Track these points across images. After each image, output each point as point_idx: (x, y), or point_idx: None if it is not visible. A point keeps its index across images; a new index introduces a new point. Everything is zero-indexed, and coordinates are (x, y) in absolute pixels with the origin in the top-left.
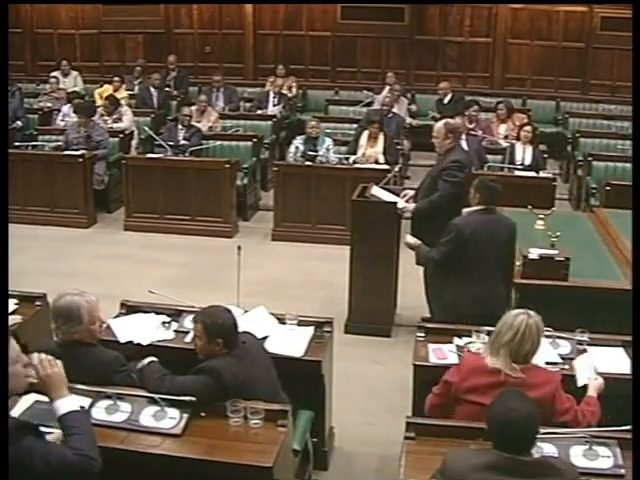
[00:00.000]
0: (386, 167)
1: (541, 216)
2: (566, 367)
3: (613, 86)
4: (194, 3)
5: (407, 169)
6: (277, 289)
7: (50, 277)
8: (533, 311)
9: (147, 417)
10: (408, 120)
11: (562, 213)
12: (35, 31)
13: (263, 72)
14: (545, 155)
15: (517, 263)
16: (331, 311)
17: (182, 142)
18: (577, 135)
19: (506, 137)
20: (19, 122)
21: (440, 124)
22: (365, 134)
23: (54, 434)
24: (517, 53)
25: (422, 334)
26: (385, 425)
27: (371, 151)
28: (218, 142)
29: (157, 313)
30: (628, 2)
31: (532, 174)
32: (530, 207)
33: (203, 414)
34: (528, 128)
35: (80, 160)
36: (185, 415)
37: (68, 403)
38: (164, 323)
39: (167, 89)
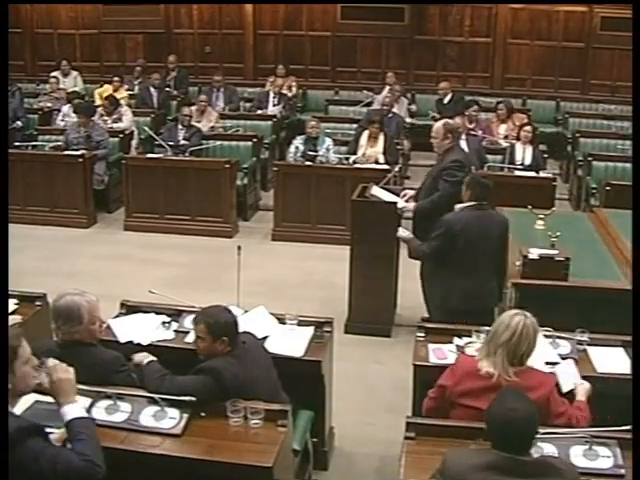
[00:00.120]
0: (386, 167)
1: (541, 216)
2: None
3: (613, 86)
4: (194, 3)
5: (407, 169)
6: (277, 289)
7: (50, 277)
8: (528, 312)
9: (147, 417)
10: (408, 119)
11: (562, 213)
12: (35, 31)
13: (263, 72)
14: (545, 155)
15: (517, 263)
16: (331, 311)
17: (182, 142)
18: (577, 135)
19: (506, 137)
20: (19, 122)
21: (439, 124)
22: (365, 134)
23: (55, 434)
24: (517, 53)
25: (422, 334)
26: (385, 425)
27: (371, 151)
28: (218, 142)
29: (157, 313)
30: (628, 2)
31: (532, 174)
32: (530, 207)
33: (203, 414)
34: (528, 128)
35: (80, 160)
36: (185, 415)
37: (76, 409)
38: (164, 323)
39: (167, 89)
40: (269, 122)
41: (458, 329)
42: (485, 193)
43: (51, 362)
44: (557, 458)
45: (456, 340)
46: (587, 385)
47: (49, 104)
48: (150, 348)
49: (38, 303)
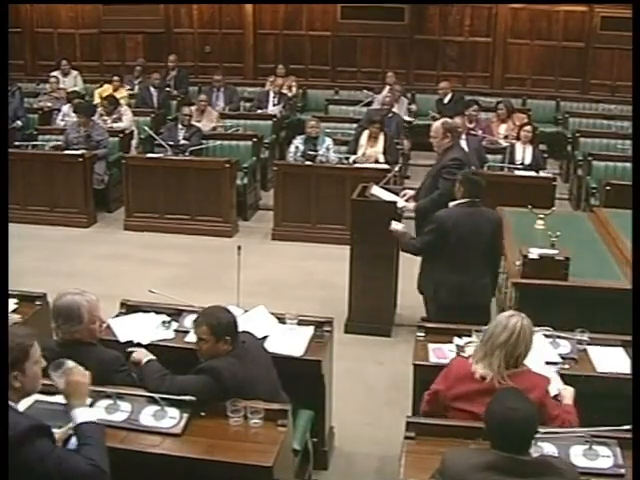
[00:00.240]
0: (386, 167)
1: (541, 216)
2: (566, 367)
3: (613, 86)
4: (194, 3)
5: (407, 169)
6: (277, 289)
7: (50, 277)
8: (527, 312)
9: (147, 417)
10: (408, 118)
11: (562, 213)
12: (35, 31)
13: (263, 72)
14: (545, 155)
15: (517, 263)
16: (331, 311)
17: (182, 142)
18: (577, 135)
19: (506, 137)
20: (19, 122)
21: (438, 124)
22: (365, 134)
23: (55, 434)
24: (517, 53)
25: (422, 334)
26: (385, 425)
27: (371, 151)
28: (218, 142)
29: (157, 313)
30: (628, 2)
31: (532, 174)
32: (530, 207)
33: (203, 414)
34: (528, 128)
35: (80, 160)
36: (185, 415)
37: (87, 413)
38: (164, 323)
39: (167, 89)
40: (269, 122)
41: (458, 329)
42: (478, 190)
43: (70, 364)
44: (557, 458)
45: (456, 340)
46: (571, 389)
47: (49, 104)
48: (150, 348)
49: (38, 303)
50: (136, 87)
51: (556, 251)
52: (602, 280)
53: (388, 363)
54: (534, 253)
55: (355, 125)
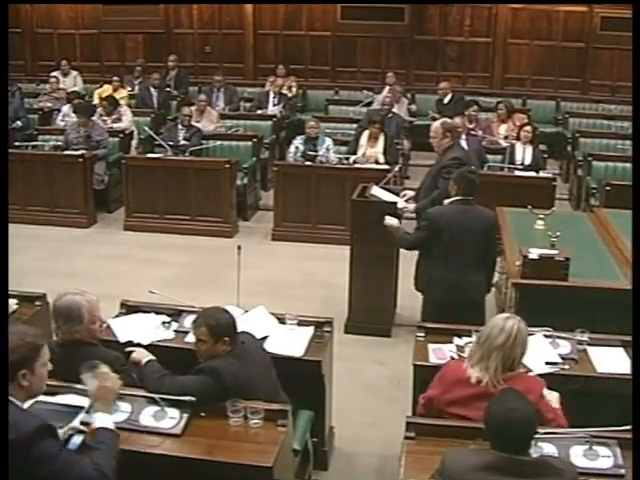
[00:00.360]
0: (386, 167)
1: (541, 216)
2: (566, 367)
3: (613, 86)
4: (194, 3)
5: (407, 169)
6: (277, 289)
7: (50, 277)
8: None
9: (147, 417)
10: (410, 118)
11: (562, 213)
12: (35, 31)
13: (263, 72)
14: (545, 155)
15: (517, 263)
16: (331, 311)
17: (182, 142)
18: (577, 135)
19: (506, 137)
20: (19, 122)
21: (437, 123)
22: (365, 134)
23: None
24: (517, 53)
25: (422, 334)
26: (385, 425)
27: (371, 151)
28: (218, 142)
29: (157, 313)
30: (628, 2)
31: (532, 174)
32: (530, 207)
33: (203, 414)
34: (528, 128)
35: (80, 160)
36: (185, 415)
37: (106, 419)
38: (164, 323)
39: (167, 89)
40: (269, 122)
41: (458, 329)
42: (471, 188)
43: (104, 368)
44: (556, 458)
45: (456, 340)
46: (556, 394)
47: (49, 104)
48: (150, 348)
49: (38, 303)
50: (136, 87)
51: (556, 251)
52: (602, 280)
53: (388, 363)
54: (534, 253)
55: (355, 125)
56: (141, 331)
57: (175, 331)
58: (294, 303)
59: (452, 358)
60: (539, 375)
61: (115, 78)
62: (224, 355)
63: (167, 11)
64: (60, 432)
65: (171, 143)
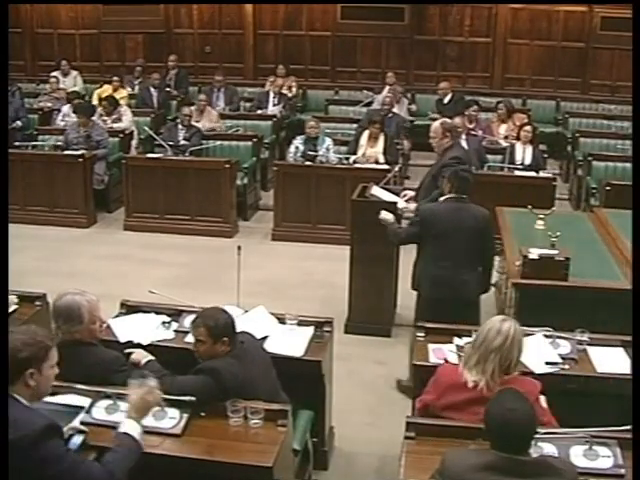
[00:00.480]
0: (386, 167)
1: (541, 216)
2: (566, 367)
3: (613, 86)
4: (194, 3)
5: (407, 169)
6: (277, 289)
7: (50, 277)
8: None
9: (147, 417)
10: (410, 118)
11: (562, 213)
12: (35, 31)
13: (263, 72)
14: (545, 155)
15: (517, 263)
16: (331, 311)
17: (182, 142)
18: (577, 135)
19: (506, 137)
20: (19, 122)
21: (437, 124)
22: (365, 134)
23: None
24: (517, 53)
25: (422, 334)
26: (385, 425)
27: (371, 151)
28: (218, 142)
29: (157, 313)
30: (628, 2)
31: (532, 174)
32: (530, 207)
33: (203, 414)
34: (528, 128)
35: (80, 160)
36: (185, 415)
37: (134, 428)
38: (164, 323)
39: (167, 89)
40: (269, 122)
41: (458, 329)
42: (465, 186)
43: (153, 383)
44: (556, 458)
45: (456, 340)
46: (542, 396)
47: (49, 104)
48: (150, 348)
49: (38, 303)
50: (136, 87)
51: (556, 251)
52: (602, 280)
53: (388, 363)
54: (534, 253)
55: (355, 125)
56: (141, 331)
57: (175, 331)
58: (294, 303)
59: (446, 361)
60: (539, 375)
61: (115, 78)
62: (223, 355)
63: (167, 11)
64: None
65: (171, 143)
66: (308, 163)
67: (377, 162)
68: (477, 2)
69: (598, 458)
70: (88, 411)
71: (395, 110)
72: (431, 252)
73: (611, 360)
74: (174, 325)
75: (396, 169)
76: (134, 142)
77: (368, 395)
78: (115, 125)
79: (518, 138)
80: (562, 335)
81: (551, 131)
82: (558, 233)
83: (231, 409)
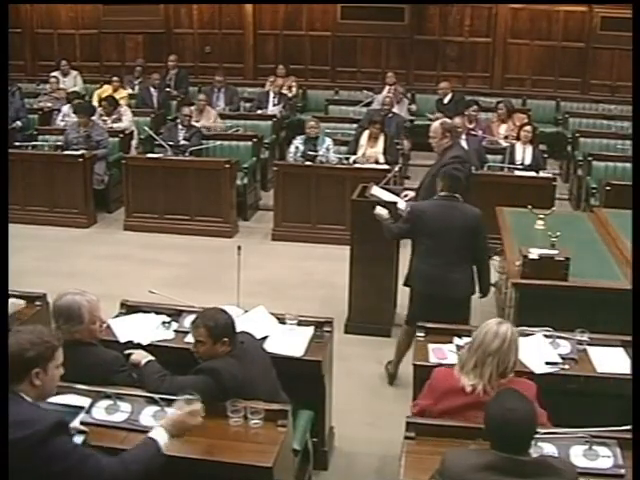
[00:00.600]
0: (386, 167)
1: (541, 216)
2: (566, 367)
3: (613, 86)
4: (194, 3)
5: (407, 169)
6: (277, 289)
7: (50, 277)
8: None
9: (147, 417)
10: (409, 118)
11: (562, 213)
12: (35, 31)
13: (263, 72)
14: (545, 155)
15: (517, 263)
16: (331, 311)
17: (182, 142)
18: (577, 135)
19: (506, 137)
20: (19, 122)
21: (437, 124)
22: (365, 134)
23: None
24: (517, 53)
25: (422, 334)
26: (385, 425)
27: (371, 151)
28: (218, 142)
29: (157, 313)
30: (628, 2)
31: (532, 174)
32: (530, 207)
33: (203, 414)
34: (528, 128)
35: (80, 160)
36: None
37: (161, 436)
38: (164, 323)
39: (167, 89)
40: (269, 122)
41: (458, 329)
42: (456, 185)
43: (198, 406)
44: (556, 458)
45: (456, 340)
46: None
47: (49, 104)
48: (150, 348)
49: (38, 303)
50: (136, 87)
51: (556, 251)
52: (602, 280)
53: None
54: (534, 253)
55: (355, 125)
56: (141, 331)
57: (175, 331)
58: (294, 303)
59: (440, 365)
60: (539, 375)
61: (115, 78)
62: (223, 356)
63: (167, 11)
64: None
65: (171, 143)
66: (308, 163)
67: (377, 162)
68: (477, 2)
69: (598, 458)
70: (88, 411)
71: (395, 110)
72: (422, 250)
73: (611, 360)
74: (174, 325)
75: (396, 169)
76: (134, 142)
77: (368, 395)
78: (115, 125)
79: (518, 138)
80: (562, 335)
81: (551, 131)
82: (558, 233)
83: (231, 409)
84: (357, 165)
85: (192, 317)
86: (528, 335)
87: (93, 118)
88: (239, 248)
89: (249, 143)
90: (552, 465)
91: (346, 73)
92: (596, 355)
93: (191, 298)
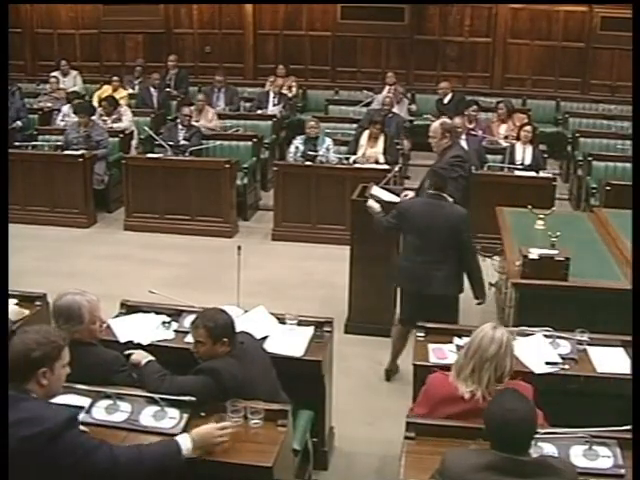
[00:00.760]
0: (386, 167)
1: (541, 216)
2: (566, 367)
3: (613, 86)
4: (194, 3)
5: (407, 169)
6: (277, 289)
7: (50, 277)
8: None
9: (147, 417)
10: (409, 118)
11: (562, 213)
12: (35, 31)
13: (263, 72)
14: (545, 155)
15: (517, 263)
16: (331, 311)
17: (182, 142)
18: (577, 135)
19: (506, 137)
20: (19, 122)
21: (436, 124)
22: (365, 134)
23: None
24: (517, 53)
25: (422, 334)
26: (385, 425)
27: (371, 151)
28: (218, 142)
29: (157, 313)
30: (628, 2)
31: (532, 174)
32: (530, 207)
33: (203, 414)
34: (528, 128)
35: (80, 160)
36: (185, 415)
37: (185, 441)
38: (164, 323)
39: (167, 89)
40: (269, 122)
41: (458, 329)
42: (440, 183)
43: (229, 424)
44: (556, 458)
45: (456, 340)
46: None
47: (49, 104)
48: (150, 348)
49: (38, 303)
50: (136, 87)
51: (556, 251)
52: (602, 280)
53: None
54: (534, 253)
55: (355, 125)
56: (141, 331)
57: (175, 331)
58: (294, 303)
59: (434, 371)
60: (539, 375)
61: (115, 78)
62: (223, 356)
63: (167, 11)
64: None
65: (171, 143)
66: (308, 163)
67: (377, 162)
68: (477, 2)
69: (598, 458)
70: (88, 411)
71: (395, 110)
72: (408, 247)
73: (611, 360)
74: (174, 325)
75: (396, 169)
76: (134, 142)
77: (368, 395)
78: (115, 125)
79: (518, 138)
80: (562, 335)
81: (551, 131)
82: (558, 233)
83: (231, 409)
84: (357, 165)
85: (192, 317)
86: (528, 335)
87: (93, 118)
88: (239, 248)
89: (249, 143)
90: (552, 465)
91: (346, 73)
92: (596, 355)
93: (191, 298)
